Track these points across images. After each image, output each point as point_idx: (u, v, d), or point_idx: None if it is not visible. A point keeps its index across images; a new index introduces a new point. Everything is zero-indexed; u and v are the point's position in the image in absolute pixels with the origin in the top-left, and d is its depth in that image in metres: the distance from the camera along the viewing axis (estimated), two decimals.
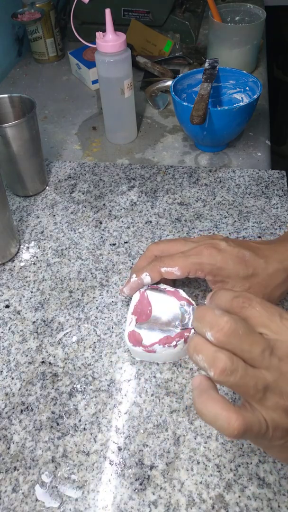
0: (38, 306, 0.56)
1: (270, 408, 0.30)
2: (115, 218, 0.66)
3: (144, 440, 0.44)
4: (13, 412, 0.46)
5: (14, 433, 0.45)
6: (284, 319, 0.31)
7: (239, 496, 0.40)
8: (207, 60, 0.76)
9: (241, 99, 0.77)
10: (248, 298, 0.32)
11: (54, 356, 0.51)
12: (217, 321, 0.30)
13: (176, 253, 0.48)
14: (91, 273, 0.59)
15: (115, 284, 0.57)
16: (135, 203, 0.68)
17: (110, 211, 0.67)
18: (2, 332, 0.53)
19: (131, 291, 0.50)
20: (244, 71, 0.75)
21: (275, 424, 0.30)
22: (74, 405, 0.46)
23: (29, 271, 0.60)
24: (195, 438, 0.43)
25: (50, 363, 0.50)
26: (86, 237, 0.64)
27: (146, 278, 0.49)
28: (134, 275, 0.49)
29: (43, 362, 0.50)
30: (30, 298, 0.57)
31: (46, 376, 0.49)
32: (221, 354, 0.30)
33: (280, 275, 0.47)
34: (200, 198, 0.68)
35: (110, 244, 0.62)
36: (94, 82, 0.94)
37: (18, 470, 0.42)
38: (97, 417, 0.45)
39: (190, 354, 0.32)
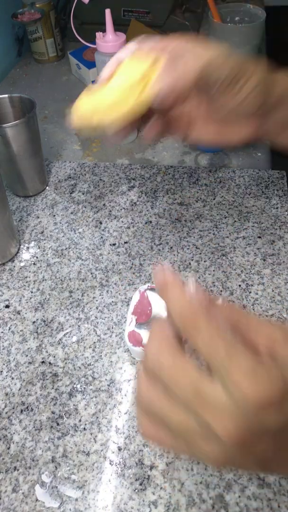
0: (38, 306, 0.56)
1: None
2: (115, 218, 0.66)
3: (144, 440, 0.44)
4: (13, 412, 0.46)
5: (14, 433, 0.45)
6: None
7: (239, 496, 0.40)
8: None
9: None
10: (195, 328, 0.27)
11: (54, 356, 0.51)
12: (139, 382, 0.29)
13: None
14: (91, 273, 0.59)
15: (115, 284, 0.57)
16: (135, 203, 0.68)
17: (110, 211, 0.67)
18: (2, 332, 0.53)
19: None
20: None
21: None
22: (74, 405, 0.46)
23: (29, 271, 0.60)
24: None
25: (50, 363, 0.50)
26: (86, 237, 0.64)
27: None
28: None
29: (43, 362, 0.50)
30: (30, 298, 0.57)
31: (46, 376, 0.49)
32: (141, 418, 0.29)
33: None
34: (200, 198, 0.68)
35: (110, 244, 0.62)
36: (94, 82, 0.94)
37: (18, 470, 0.42)
38: (97, 417, 0.45)
39: None
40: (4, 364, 0.50)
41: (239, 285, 0.56)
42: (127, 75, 0.40)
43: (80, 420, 0.45)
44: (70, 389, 0.48)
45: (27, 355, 0.51)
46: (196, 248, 0.61)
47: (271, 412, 0.25)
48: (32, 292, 0.57)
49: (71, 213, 0.67)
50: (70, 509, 0.40)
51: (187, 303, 0.28)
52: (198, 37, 0.43)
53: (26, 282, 0.58)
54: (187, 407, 0.27)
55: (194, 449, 0.27)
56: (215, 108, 0.44)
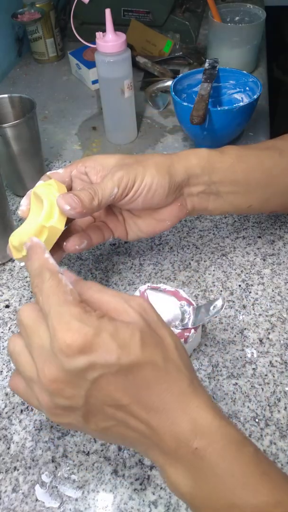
0: None
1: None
2: None
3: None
4: (13, 412, 0.46)
5: (14, 433, 0.45)
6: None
7: None
8: (207, 60, 0.76)
9: (241, 99, 0.77)
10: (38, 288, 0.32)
11: None
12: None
13: None
14: (91, 273, 0.59)
15: (115, 284, 0.57)
16: None
17: None
18: (2, 332, 0.53)
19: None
20: (244, 71, 0.75)
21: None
22: None
23: None
24: None
25: None
26: None
27: None
28: None
29: None
30: (30, 298, 0.57)
31: None
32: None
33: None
34: None
35: (110, 244, 0.62)
36: (94, 82, 0.94)
37: (18, 470, 0.42)
38: None
39: None
40: (4, 364, 0.50)
41: (239, 285, 0.56)
42: (36, 212, 0.45)
43: None
44: None
45: None
46: (196, 248, 0.61)
47: (78, 355, 0.28)
48: (32, 292, 0.57)
49: None
50: (70, 509, 0.40)
51: (42, 261, 0.33)
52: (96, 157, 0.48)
53: (26, 282, 0.58)
54: (31, 355, 0.31)
55: (35, 396, 0.31)
56: (131, 209, 0.48)
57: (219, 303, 0.43)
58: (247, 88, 0.75)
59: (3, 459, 0.43)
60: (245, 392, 0.46)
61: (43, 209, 0.43)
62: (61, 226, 0.43)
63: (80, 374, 0.28)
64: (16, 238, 0.45)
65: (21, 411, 0.46)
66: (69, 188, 0.48)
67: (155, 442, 0.30)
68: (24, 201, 0.47)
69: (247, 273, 0.57)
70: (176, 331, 0.47)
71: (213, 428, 0.29)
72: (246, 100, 0.74)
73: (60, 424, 0.32)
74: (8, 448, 0.44)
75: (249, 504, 0.28)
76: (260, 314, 0.53)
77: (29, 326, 0.31)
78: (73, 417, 0.30)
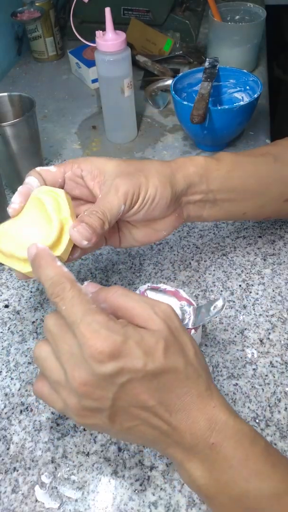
0: (37, 306, 0.55)
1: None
2: None
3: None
4: (12, 413, 0.46)
5: (13, 433, 0.45)
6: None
7: None
8: (207, 59, 0.76)
9: (241, 98, 0.76)
10: (61, 297, 0.32)
11: None
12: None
13: None
14: (91, 273, 0.59)
15: (115, 284, 0.57)
16: None
17: None
18: (1, 332, 0.53)
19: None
20: (244, 70, 0.75)
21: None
22: None
23: None
24: None
25: None
26: None
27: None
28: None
29: None
30: (30, 298, 0.56)
31: None
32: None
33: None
34: None
35: None
36: (94, 81, 0.93)
37: (17, 470, 0.42)
38: None
39: None
40: (3, 364, 0.50)
41: (240, 285, 0.56)
42: (31, 218, 0.41)
43: None
44: None
45: (26, 355, 0.51)
46: (197, 247, 0.61)
47: (108, 361, 0.29)
48: (31, 292, 0.57)
49: None
50: (70, 510, 0.40)
51: (58, 270, 0.34)
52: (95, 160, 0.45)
53: (26, 281, 0.58)
54: (58, 360, 0.32)
55: (61, 400, 0.33)
56: (131, 221, 0.47)
57: (219, 303, 0.43)
58: (248, 87, 0.75)
59: (2, 459, 0.43)
60: (246, 393, 0.46)
61: (51, 229, 0.39)
62: (66, 257, 0.41)
63: (109, 378, 0.30)
64: (5, 243, 0.40)
65: (21, 411, 0.46)
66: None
67: (175, 439, 0.32)
68: (17, 198, 0.42)
69: (247, 273, 0.57)
70: None
71: (227, 425, 0.32)
72: (246, 99, 0.73)
73: (85, 425, 0.33)
74: (8, 449, 0.44)
75: (262, 491, 0.31)
76: (260, 314, 0.52)
77: (56, 334, 0.32)
78: (99, 417, 0.32)
